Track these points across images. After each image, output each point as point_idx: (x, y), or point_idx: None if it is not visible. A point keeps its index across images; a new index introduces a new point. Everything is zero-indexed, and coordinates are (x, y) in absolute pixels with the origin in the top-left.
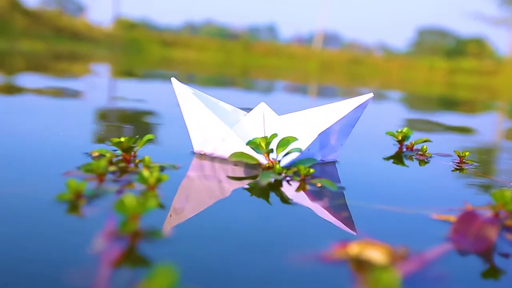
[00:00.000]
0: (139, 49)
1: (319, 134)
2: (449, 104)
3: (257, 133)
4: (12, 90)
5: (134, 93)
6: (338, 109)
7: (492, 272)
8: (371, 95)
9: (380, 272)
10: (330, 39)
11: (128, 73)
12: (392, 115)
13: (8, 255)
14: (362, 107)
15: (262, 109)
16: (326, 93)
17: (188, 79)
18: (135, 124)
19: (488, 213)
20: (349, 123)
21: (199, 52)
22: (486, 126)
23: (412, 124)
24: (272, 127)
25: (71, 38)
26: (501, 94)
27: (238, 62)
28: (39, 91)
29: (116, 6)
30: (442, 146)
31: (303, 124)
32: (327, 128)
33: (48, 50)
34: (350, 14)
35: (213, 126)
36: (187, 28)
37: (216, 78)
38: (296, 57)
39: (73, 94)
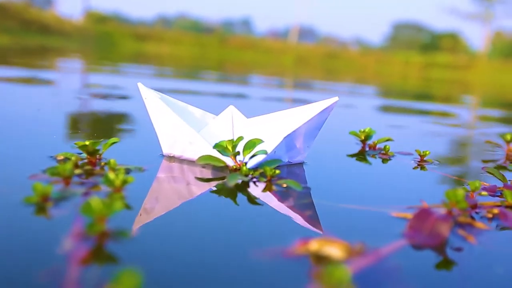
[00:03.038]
0: (111, 43)
1: (285, 137)
2: (423, 99)
3: (226, 136)
4: None
5: (102, 92)
6: (304, 112)
7: (445, 266)
8: (336, 99)
9: (332, 268)
10: (306, 33)
11: (97, 70)
12: (360, 115)
13: None
14: (327, 110)
15: (231, 112)
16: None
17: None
18: (102, 126)
19: (442, 211)
20: (315, 126)
21: (173, 46)
22: (450, 125)
23: (378, 123)
24: (241, 130)
25: (40, 32)
26: (473, 89)
27: (213, 56)
28: (7, 82)
29: None
30: (404, 144)
31: (271, 127)
32: (293, 131)
33: (16, 44)
34: (325, 8)
35: (180, 130)
36: (160, 21)
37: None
38: (271, 51)
39: (38, 93)
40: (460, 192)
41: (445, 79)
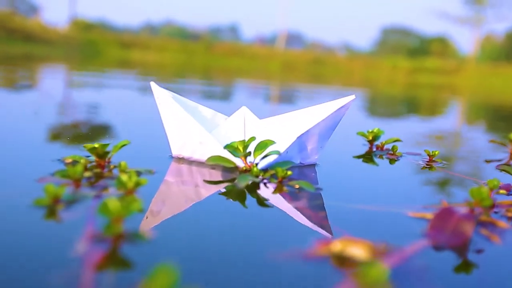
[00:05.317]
0: (97, 51)
1: (297, 137)
2: (414, 105)
3: (238, 137)
4: None
5: (104, 98)
6: (318, 112)
7: (469, 266)
8: (353, 97)
9: (368, 267)
10: (293, 39)
11: (93, 75)
12: (355, 115)
13: None
14: (343, 109)
15: (243, 113)
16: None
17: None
18: (110, 129)
19: (463, 210)
20: (329, 125)
21: (159, 53)
22: (451, 126)
23: (379, 124)
24: (253, 131)
25: (25, 40)
26: (462, 94)
27: (199, 63)
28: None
29: (72, 6)
30: (411, 144)
31: (284, 128)
32: (306, 131)
33: (2, 52)
34: (312, 14)
35: (191, 129)
36: (146, 28)
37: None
38: (258, 58)
39: (41, 99)
40: (485, 189)
41: (434, 84)
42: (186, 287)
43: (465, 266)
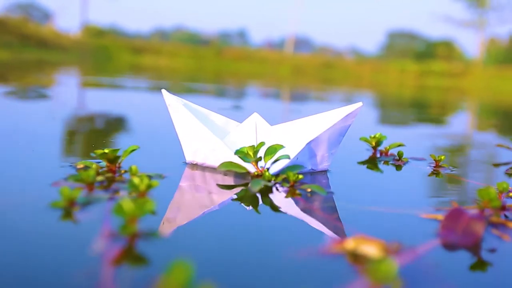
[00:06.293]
0: (109, 56)
1: (307, 143)
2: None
3: (249, 144)
4: None
5: (118, 103)
6: (327, 119)
7: (480, 265)
8: (360, 104)
9: (378, 262)
10: (302, 43)
11: (107, 81)
12: (360, 123)
13: (9, 263)
14: (351, 116)
15: (254, 119)
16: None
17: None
18: (126, 135)
19: (473, 211)
20: (339, 132)
21: (170, 59)
22: (456, 128)
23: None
24: (264, 137)
25: (38, 46)
26: (471, 95)
27: (211, 67)
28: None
29: (84, 13)
30: (415, 149)
31: (294, 134)
32: (316, 138)
33: (15, 58)
34: (320, 18)
35: (203, 136)
36: (157, 34)
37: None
38: (268, 62)
39: (53, 105)
40: (493, 190)
41: (442, 87)
42: (201, 283)
43: (477, 265)
